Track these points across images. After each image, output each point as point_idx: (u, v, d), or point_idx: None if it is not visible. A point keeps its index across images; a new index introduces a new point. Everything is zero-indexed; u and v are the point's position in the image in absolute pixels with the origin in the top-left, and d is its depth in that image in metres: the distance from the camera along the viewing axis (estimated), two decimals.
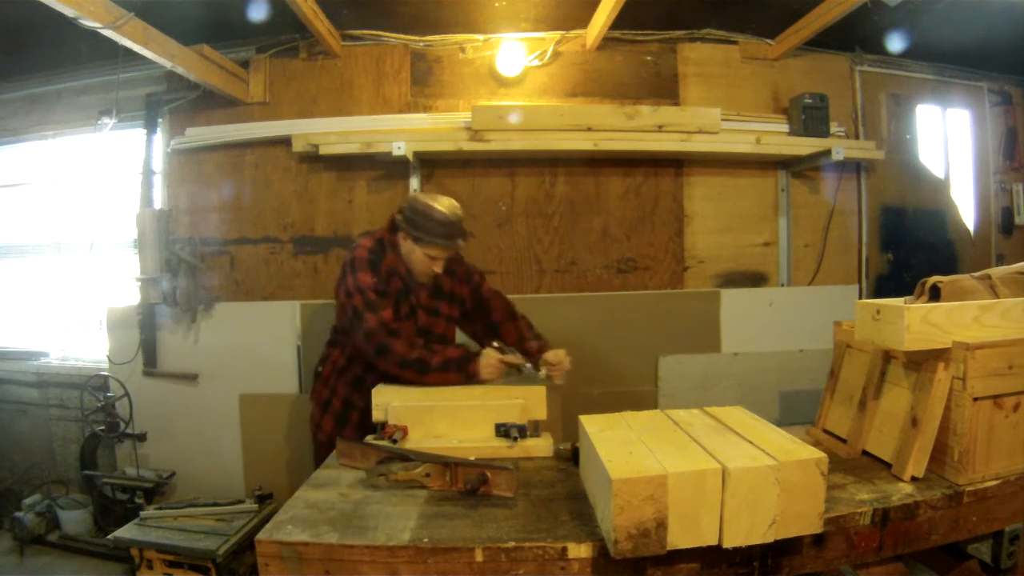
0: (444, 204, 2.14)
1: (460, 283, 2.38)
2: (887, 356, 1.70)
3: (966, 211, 3.77)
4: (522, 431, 1.83)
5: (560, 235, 3.37)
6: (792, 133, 3.33)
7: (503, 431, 1.84)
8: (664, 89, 3.41)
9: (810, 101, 3.29)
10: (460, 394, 1.94)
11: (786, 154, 3.30)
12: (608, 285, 3.39)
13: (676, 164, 3.39)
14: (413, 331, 2.14)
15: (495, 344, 2.08)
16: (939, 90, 3.73)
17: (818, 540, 1.31)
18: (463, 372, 1.98)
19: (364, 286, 2.07)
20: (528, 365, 2.06)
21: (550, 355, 2.12)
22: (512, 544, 1.24)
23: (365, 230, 3.24)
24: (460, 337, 2.52)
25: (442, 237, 2.12)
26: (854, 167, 3.50)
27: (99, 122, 3.33)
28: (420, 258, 2.16)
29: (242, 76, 3.28)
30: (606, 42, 3.29)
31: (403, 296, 2.20)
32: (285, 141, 3.24)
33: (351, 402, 2.29)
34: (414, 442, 1.80)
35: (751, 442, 1.32)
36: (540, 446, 1.82)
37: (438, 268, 2.19)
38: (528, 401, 1.89)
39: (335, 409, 2.32)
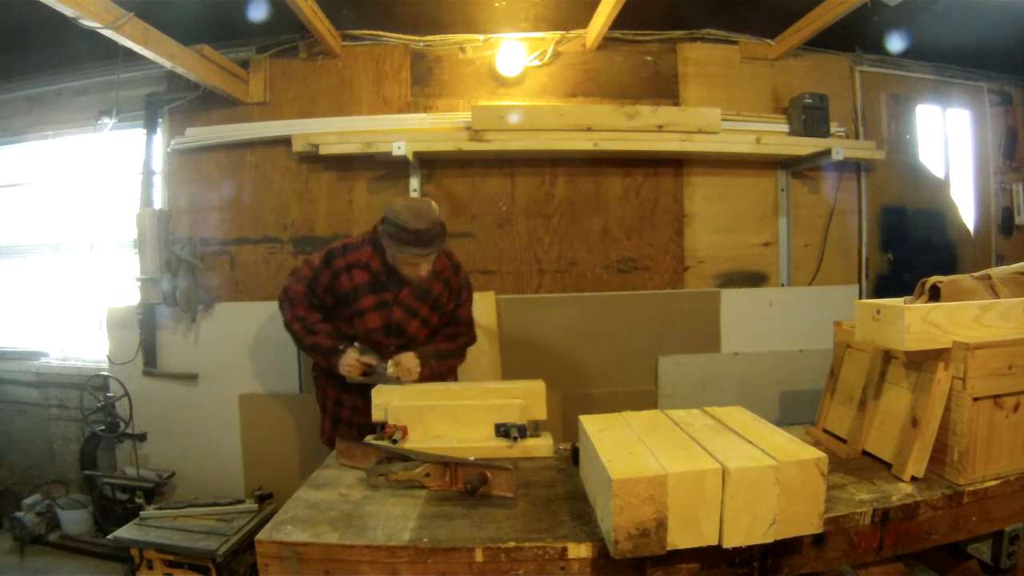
0: (413, 212, 2.15)
1: (449, 296, 2.43)
2: (887, 356, 1.70)
3: (966, 211, 3.77)
4: (522, 431, 1.84)
5: (560, 235, 3.37)
6: (792, 133, 3.33)
7: (503, 431, 1.84)
8: (664, 89, 3.41)
9: (810, 101, 3.29)
10: (460, 394, 1.94)
11: (786, 154, 3.30)
12: (608, 285, 3.39)
13: (676, 164, 3.39)
14: (304, 304, 2.34)
15: (357, 345, 2.26)
16: (939, 90, 3.73)
17: (818, 540, 1.31)
18: (327, 361, 2.27)
19: (309, 263, 2.35)
20: (382, 365, 2.22)
21: (400, 356, 2.24)
22: (512, 544, 1.24)
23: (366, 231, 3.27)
24: None
25: (414, 245, 2.15)
26: (854, 167, 3.50)
27: (99, 122, 3.32)
28: (403, 265, 2.23)
29: (242, 76, 3.28)
30: (606, 42, 3.29)
31: (371, 289, 2.28)
32: (285, 141, 3.24)
33: (340, 401, 2.38)
34: (414, 442, 1.80)
35: (751, 442, 1.32)
36: (540, 446, 1.82)
37: (423, 271, 2.25)
38: (528, 401, 1.89)
39: (330, 410, 2.43)
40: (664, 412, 1.60)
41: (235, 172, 3.35)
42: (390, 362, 2.22)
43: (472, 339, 2.53)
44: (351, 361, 2.21)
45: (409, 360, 2.22)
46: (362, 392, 2.21)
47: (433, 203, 2.23)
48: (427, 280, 2.30)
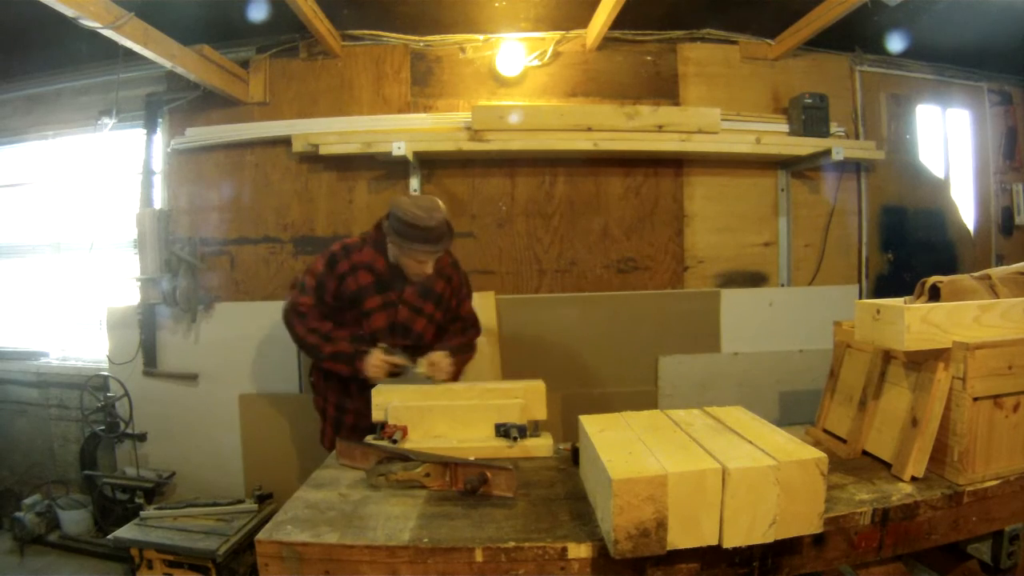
0: (423, 209, 2.14)
1: (452, 292, 2.42)
2: (887, 356, 1.70)
3: (966, 211, 3.77)
4: (522, 431, 1.84)
5: (560, 235, 3.37)
6: (792, 133, 3.33)
7: (503, 431, 1.84)
8: (664, 89, 3.41)
9: (810, 101, 3.29)
10: (460, 394, 1.94)
11: (786, 154, 3.30)
12: (608, 285, 3.39)
13: (676, 164, 3.39)
14: (315, 315, 2.26)
15: (382, 345, 2.20)
16: (939, 90, 3.73)
17: (818, 540, 1.31)
18: (350, 366, 2.17)
19: (312, 271, 2.29)
20: (411, 365, 2.16)
21: (431, 356, 2.20)
22: (512, 544, 1.24)
23: (366, 231, 3.26)
24: None
25: (424, 242, 2.14)
26: (854, 167, 3.50)
27: (99, 122, 3.32)
28: (409, 262, 2.21)
29: (242, 76, 3.28)
30: (606, 42, 3.29)
31: (376, 289, 2.26)
32: (285, 141, 3.24)
33: (343, 406, 2.35)
34: (414, 442, 1.80)
35: (751, 442, 1.32)
36: (540, 446, 1.82)
37: (428, 269, 2.24)
38: (528, 401, 1.89)
39: (331, 416, 2.39)
40: (664, 412, 1.60)
41: (235, 172, 3.35)
42: (423, 361, 2.16)
43: (479, 331, 2.54)
44: (377, 362, 2.14)
45: (443, 359, 2.18)
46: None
47: (440, 201, 2.22)
48: (430, 278, 2.29)
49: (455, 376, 2.24)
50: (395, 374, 2.17)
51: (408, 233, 2.12)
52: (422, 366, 2.16)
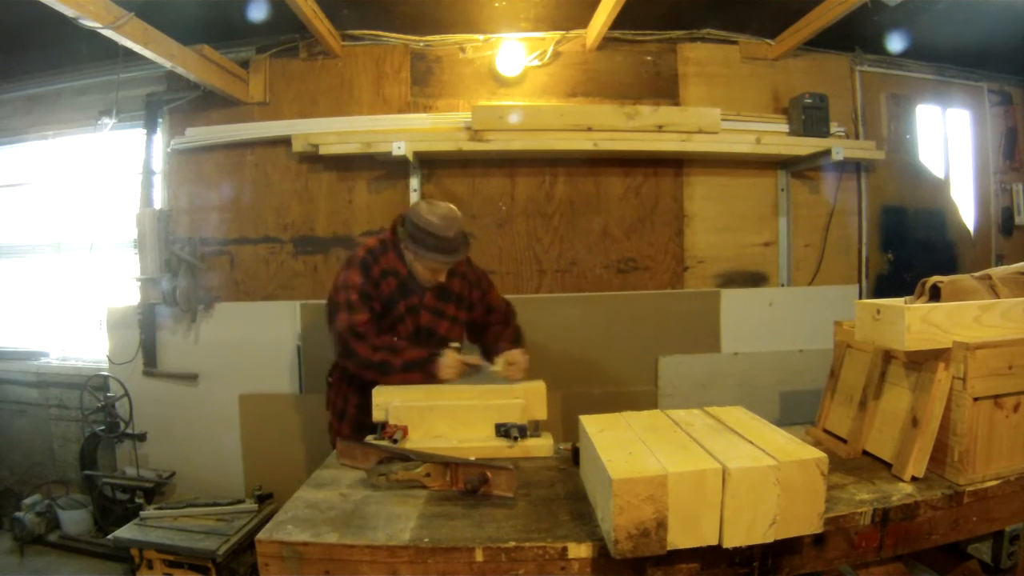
0: (442, 218, 2.13)
1: (470, 287, 2.40)
2: (887, 356, 1.70)
3: (966, 211, 3.77)
4: (522, 431, 1.84)
5: (560, 235, 3.37)
6: (792, 133, 3.33)
7: (503, 431, 1.84)
8: (664, 89, 3.41)
9: (810, 101, 3.29)
10: (460, 394, 1.94)
11: (786, 154, 3.30)
12: (608, 285, 3.39)
13: (676, 164, 3.39)
14: (373, 330, 2.14)
15: (454, 345, 2.16)
16: (939, 90, 3.73)
17: (818, 540, 1.31)
18: (425, 372, 2.07)
19: (351, 284, 2.14)
20: (487, 365, 2.13)
21: (509, 355, 2.17)
22: (512, 544, 1.24)
23: (367, 230, 3.25)
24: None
25: (441, 252, 2.13)
26: (854, 167, 3.50)
27: (99, 122, 3.32)
28: (421, 268, 2.19)
29: (242, 76, 3.28)
30: (606, 42, 3.29)
31: (400, 295, 2.23)
32: (285, 141, 3.24)
33: (366, 407, 2.26)
34: (414, 442, 1.80)
35: (751, 442, 1.32)
36: (540, 446, 1.82)
37: (441, 277, 2.23)
38: (528, 401, 1.89)
39: (351, 416, 2.32)
40: (664, 412, 1.60)
41: (235, 172, 3.35)
42: (500, 359, 2.13)
43: (515, 312, 2.53)
44: (452, 362, 2.08)
45: (520, 356, 2.15)
46: None
47: (456, 211, 2.20)
48: (446, 278, 2.27)
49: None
50: (466, 374, 2.13)
51: (425, 241, 2.11)
52: (499, 364, 2.12)
